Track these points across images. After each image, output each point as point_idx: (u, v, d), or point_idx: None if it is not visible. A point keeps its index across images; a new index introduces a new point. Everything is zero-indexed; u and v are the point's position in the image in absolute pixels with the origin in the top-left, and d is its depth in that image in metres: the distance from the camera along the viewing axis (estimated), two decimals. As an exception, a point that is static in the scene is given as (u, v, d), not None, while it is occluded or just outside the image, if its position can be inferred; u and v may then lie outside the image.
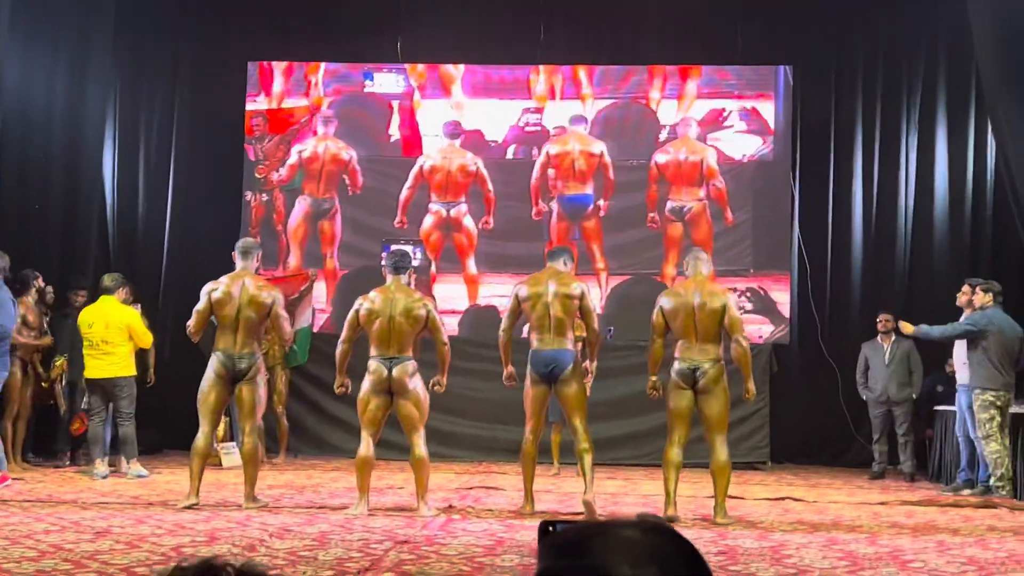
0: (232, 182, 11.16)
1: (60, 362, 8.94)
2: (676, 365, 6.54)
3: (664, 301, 6.66)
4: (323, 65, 11.20)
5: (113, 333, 8.37)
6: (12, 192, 9.48)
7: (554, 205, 10.93)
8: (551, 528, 1.46)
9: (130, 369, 8.49)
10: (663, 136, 10.93)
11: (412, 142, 11.07)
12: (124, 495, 7.10)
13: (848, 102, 11.07)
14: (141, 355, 8.86)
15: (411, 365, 6.52)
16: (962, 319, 8.45)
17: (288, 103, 11.14)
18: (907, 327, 8.66)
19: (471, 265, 10.90)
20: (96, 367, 8.37)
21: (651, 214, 10.86)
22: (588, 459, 6.58)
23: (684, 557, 1.14)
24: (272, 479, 8.26)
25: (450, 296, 10.69)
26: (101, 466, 8.23)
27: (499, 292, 10.78)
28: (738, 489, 8.21)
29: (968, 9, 9.10)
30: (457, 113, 11.04)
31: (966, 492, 8.17)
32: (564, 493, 7.75)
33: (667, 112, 10.95)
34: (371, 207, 11.02)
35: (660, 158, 10.89)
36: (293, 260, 10.94)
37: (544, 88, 11.05)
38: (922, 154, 10.81)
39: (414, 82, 11.11)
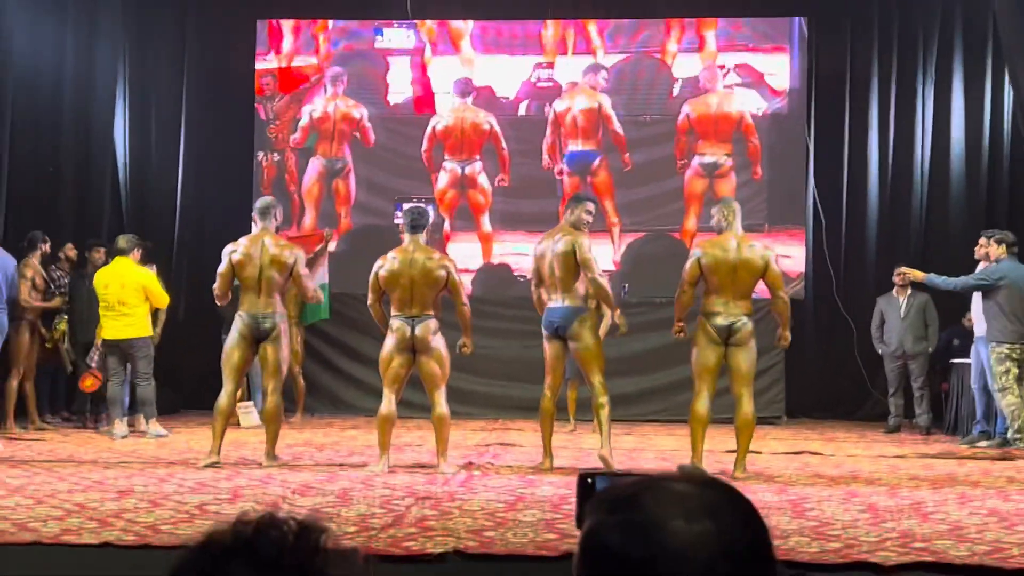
0: (243, 142, 11.11)
1: (62, 324, 8.92)
2: (713, 320, 6.43)
3: (702, 254, 6.52)
4: (332, 22, 11.09)
5: (129, 294, 8.38)
6: (24, 154, 9.46)
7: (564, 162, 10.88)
8: (590, 480, 1.45)
9: (147, 330, 8.50)
10: (677, 90, 10.82)
11: (424, 99, 10.99)
12: (144, 455, 7.14)
13: (863, 54, 10.95)
14: (152, 315, 8.83)
15: (433, 323, 6.52)
16: (977, 271, 8.41)
17: (298, 61, 11.06)
18: (917, 274, 8.59)
19: (485, 223, 10.87)
20: (113, 328, 8.39)
21: (681, 161, 10.78)
22: (604, 414, 6.59)
23: (738, 511, 1.13)
24: (291, 438, 8.28)
25: (465, 255, 10.65)
26: (120, 426, 8.26)
27: (513, 250, 10.78)
28: (755, 444, 8.14)
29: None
30: (468, 70, 10.95)
31: (983, 444, 8.17)
32: (581, 449, 7.77)
33: (683, 66, 10.83)
34: (384, 166, 10.98)
35: (692, 110, 10.76)
36: (308, 220, 10.91)
37: (555, 43, 10.94)
38: (938, 106, 10.70)
39: (425, 38, 11.00)
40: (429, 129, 10.88)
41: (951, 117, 10.65)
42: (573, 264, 6.55)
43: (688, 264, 6.54)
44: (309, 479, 5.99)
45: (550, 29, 10.96)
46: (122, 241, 8.57)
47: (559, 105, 10.84)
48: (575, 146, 10.82)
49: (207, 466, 6.43)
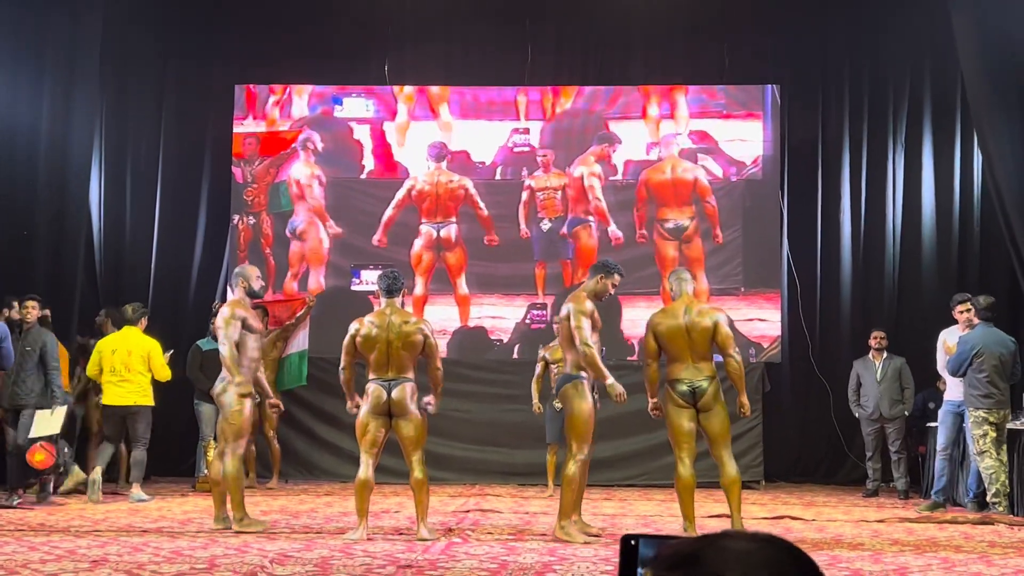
0: (219, 206, 11.10)
1: None
2: (676, 387, 6.50)
3: (655, 324, 6.62)
4: (311, 88, 11.15)
5: (135, 361, 8.59)
6: (-2, 219, 9.39)
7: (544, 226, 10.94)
8: (633, 542, 1.44)
9: (148, 398, 8.67)
10: (650, 155, 10.94)
11: (389, 166, 11.04)
12: (116, 523, 6.99)
13: (835, 121, 11.14)
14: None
15: (410, 386, 6.47)
16: (953, 337, 8.49)
17: (283, 127, 11.09)
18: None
19: (462, 286, 10.87)
20: (115, 394, 8.57)
21: (641, 231, 10.86)
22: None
23: (798, 566, 1.13)
24: (265, 504, 8.17)
25: (441, 318, 10.63)
26: (138, 490, 8.45)
27: (490, 313, 10.76)
28: (735, 508, 8.18)
29: (953, 26, 9.19)
30: (444, 134, 11.03)
31: (968, 508, 8.16)
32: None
33: (656, 131, 10.96)
34: (359, 228, 10.97)
35: (648, 178, 10.89)
36: (311, 282, 10.90)
37: (531, 109, 11.05)
38: (909, 171, 10.88)
39: (404, 104, 11.08)
40: (403, 190, 10.91)
41: (922, 181, 10.83)
42: (569, 331, 6.52)
43: (645, 338, 6.63)
44: (286, 547, 5.88)
45: (526, 96, 11.07)
46: (129, 311, 8.78)
47: (532, 182, 10.94)
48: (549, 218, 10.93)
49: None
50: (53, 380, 8.23)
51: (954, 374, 8.25)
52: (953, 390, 8.39)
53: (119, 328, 8.92)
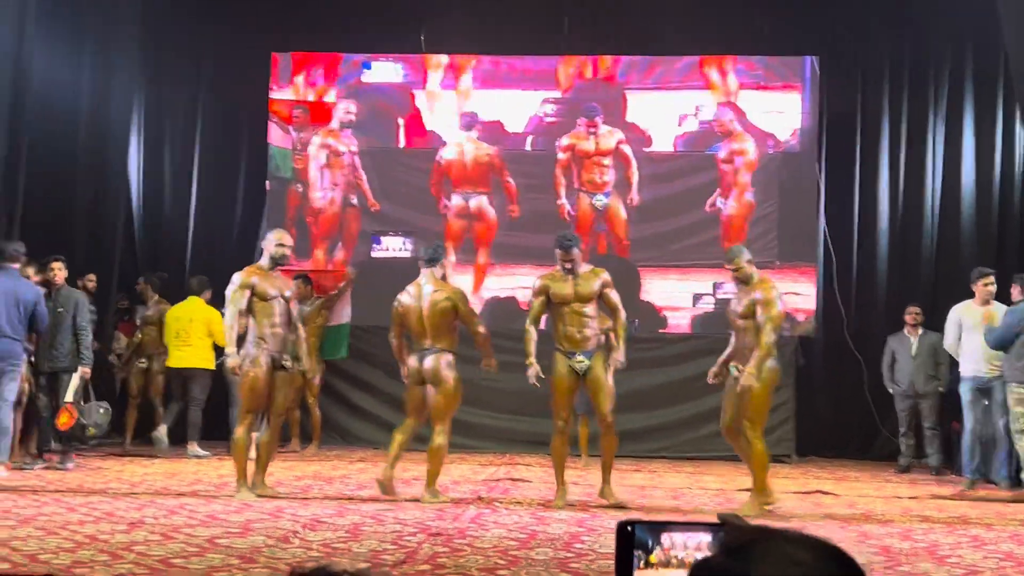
0: (256, 172, 11.17)
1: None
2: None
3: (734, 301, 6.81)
4: (349, 56, 11.17)
5: (196, 327, 9.48)
6: (39, 187, 9.47)
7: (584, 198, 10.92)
8: (629, 528, 1.45)
9: (208, 362, 9.48)
10: (686, 126, 10.86)
11: (422, 133, 11.05)
12: (153, 485, 7.13)
13: (875, 93, 11.00)
14: None
15: (445, 357, 6.59)
16: (969, 313, 8.35)
17: (326, 96, 11.12)
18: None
19: (484, 255, 10.89)
20: (177, 357, 9.49)
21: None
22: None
23: (840, 571, 1.10)
24: (300, 470, 8.28)
25: (469, 286, 10.67)
26: (196, 447, 9.29)
27: (522, 284, 10.75)
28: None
29: (996, 1, 9.02)
30: (474, 103, 11.01)
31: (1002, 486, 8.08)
32: (593, 485, 7.73)
33: (693, 102, 10.88)
34: (395, 198, 11.00)
35: (720, 151, 10.82)
36: (339, 253, 10.97)
37: (568, 77, 11.00)
38: (949, 146, 10.73)
39: (435, 72, 11.07)
40: (434, 162, 10.94)
41: (962, 155, 10.68)
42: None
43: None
44: (319, 512, 5.97)
45: (563, 65, 11.01)
46: (194, 283, 9.73)
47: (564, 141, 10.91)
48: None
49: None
50: (83, 341, 8.19)
51: (997, 347, 8.02)
52: (971, 365, 8.26)
53: (158, 294, 9.81)
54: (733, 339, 6.73)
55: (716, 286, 10.52)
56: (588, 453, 9.24)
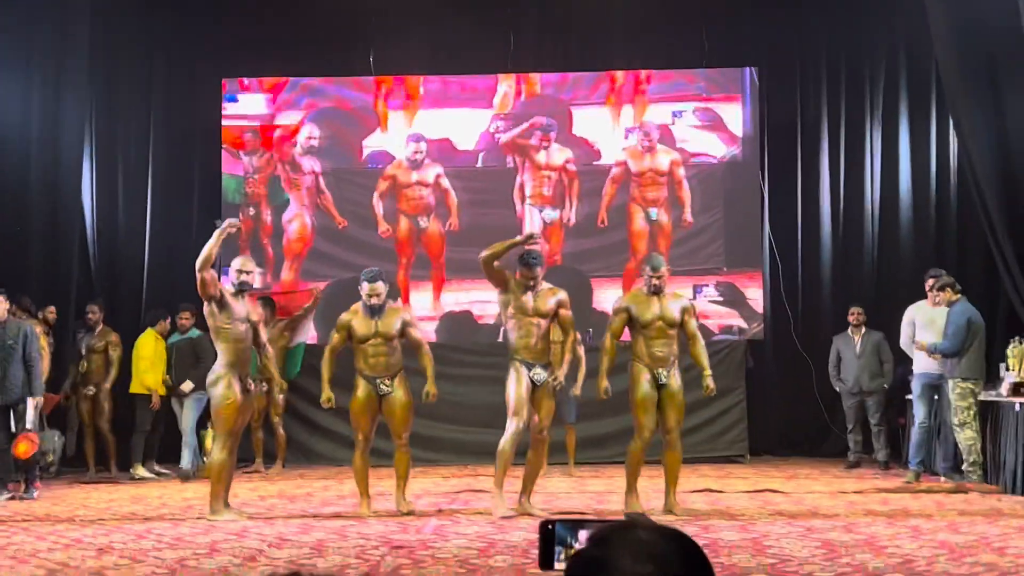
0: (209, 197, 11.27)
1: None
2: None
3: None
4: (296, 80, 11.32)
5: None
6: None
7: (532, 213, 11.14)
8: (550, 526, 1.67)
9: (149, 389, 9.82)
10: (630, 140, 11.12)
11: (372, 155, 11.24)
12: (119, 511, 7.23)
13: (813, 101, 11.34)
14: None
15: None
16: (922, 313, 8.71)
17: (279, 119, 11.25)
18: (922, 343, 8.58)
19: (437, 271, 11.08)
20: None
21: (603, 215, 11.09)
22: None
23: (684, 558, 1.33)
24: (263, 489, 8.41)
25: (424, 303, 10.88)
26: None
27: (475, 298, 10.94)
28: (719, 483, 8.48)
29: (926, 9, 9.38)
30: (425, 123, 11.20)
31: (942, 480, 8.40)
32: (551, 493, 7.93)
33: (631, 117, 11.15)
34: (346, 217, 11.17)
35: (631, 162, 11.09)
36: (289, 274, 11.09)
37: (509, 97, 11.23)
38: (886, 150, 11.09)
39: (386, 93, 11.26)
40: (382, 181, 11.11)
41: (899, 159, 11.04)
42: None
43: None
44: (283, 531, 6.12)
45: (505, 84, 11.24)
46: (148, 316, 10.10)
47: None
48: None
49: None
50: (34, 371, 8.15)
51: (953, 355, 8.23)
52: (923, 363, 8.62)
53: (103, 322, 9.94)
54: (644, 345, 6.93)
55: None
56: (575, 461, 9.48)
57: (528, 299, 6.83)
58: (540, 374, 6.83)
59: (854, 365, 9.96)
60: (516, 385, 6.80)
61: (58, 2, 10.13)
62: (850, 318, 10.07)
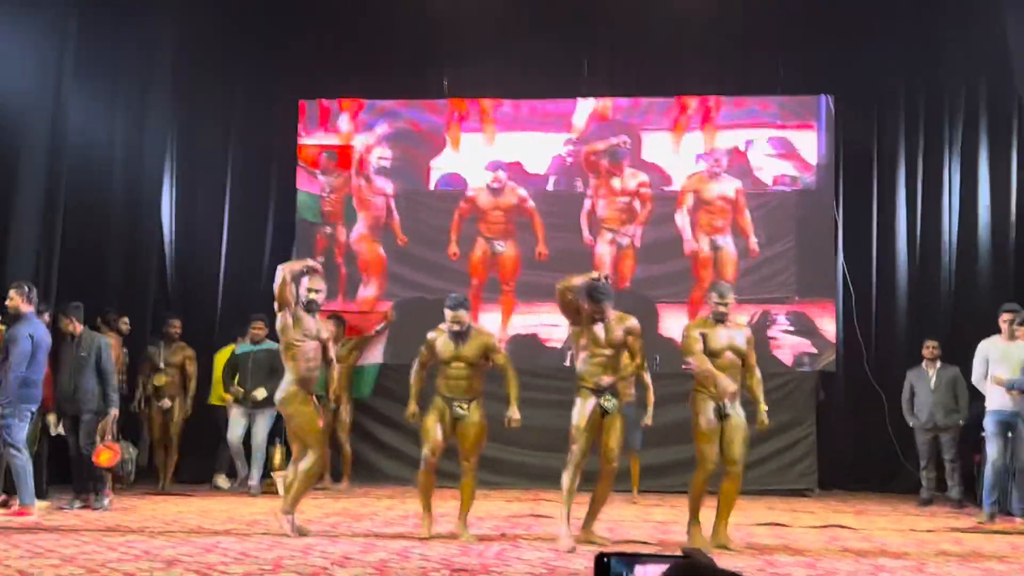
0: (284, 217, 11.47)
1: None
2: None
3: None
4: (372, 102, 11.48)
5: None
6: (76, 233, 9.82)
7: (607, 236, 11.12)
8: (605, 560, 1.66)
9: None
10: (699, 166, 11.06)
11: (446, 178, 11.33)
12: (188, 524, 7.35)
13: (890, 129, 11.18)
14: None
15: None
16: (995, 348, 8.50)
17: (353, 141, 11.42)
18: (999, 378, 8.43)
19: (508, 295, 11.11)
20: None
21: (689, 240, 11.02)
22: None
23: None
24: (328, 507, 8.48)
25: (492, 326, 10.87)
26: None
27: (542, 321, 10.94)
28: (787, 516, 8.35)
29: (1009, 39, 9.20)
30: (499, 146, 11.27)
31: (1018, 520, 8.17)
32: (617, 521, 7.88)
33: (702, 143, 11.09)
34: (418, 238, 11.26)
35: (698, 187, 11.02)
36: (369, 292, 11.21)
37: (585, 120, 11.24)
38: (965, 180, 10.88)
39: (460, 116, 11.35)
40: (461, 202, 11.19)
41: (978, 190, 10.82)
42: None
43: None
44: (347, 550, 6.17)
45: (582, 106, 11.26)
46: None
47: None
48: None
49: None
50: (109, 383, 8.30)
51: None
52: (997, 400, 8.40)
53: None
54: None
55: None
56: (639, 489, 9.43)
57: (599, 330, 6.81)
58: (610, 402, 6.80)
59: (928, 400, 9.75)
60: (579, 414, 6.78)
61: (143, 26, 10.45)
62: (925, 352, 9.87)
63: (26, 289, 7.68)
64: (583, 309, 6.76)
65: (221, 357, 10.17)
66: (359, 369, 10.45)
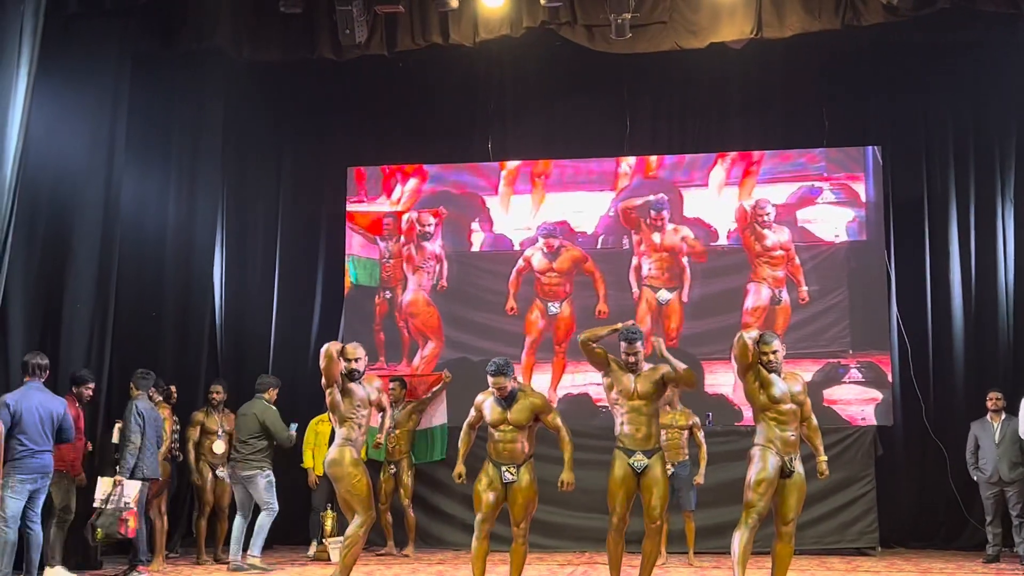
0: (333, 283, 11.55)
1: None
2: None
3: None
4: (420, 167, 11.58)
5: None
6: (130, 299, 9.96)
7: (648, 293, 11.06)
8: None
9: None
10: (743, 220, 10.99)
11: (498, 238, 11.38)
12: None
13: (940, 179, 11.03)
14: None
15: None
16: None
17: (402, 207, 11.51)
18: None
19: (560, 356, 11.06)
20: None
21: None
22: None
23: None
24: (379, 574, 8.38)
25: (542, 386, 10.81)
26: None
27: (592, 380, 10.84)
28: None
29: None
30: (547, 207, 11.29)
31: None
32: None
33: (748, 196, 11.01)
34: (469, 302, 11.28)
35: (746, 242, 10.94)
36: (427, 353, 11.24)
37: (629, 177, 11.23)
38: (1019, 230, 10.66)
39: (506, 178, 11.41)
40: (520, 262, 11.21)
41: (1034, 238, 10.61)
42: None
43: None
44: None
45: (623, 167, 11.26)
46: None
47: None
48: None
49: None
50: (124, 449, 8.17)
51: None
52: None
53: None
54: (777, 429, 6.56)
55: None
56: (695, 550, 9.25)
57: (629, 381, 6.72)
58: (641, 461, 6.67)
59: (992, 453, 9.47)
60: (610, 477, 6.71)
61: (193, 98, 10.66)
62: (989, 403, 9.61)
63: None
64: (612, 359, 6.75)
65: (323, 428, 10.07)
66: (423, 432, 10.37)
